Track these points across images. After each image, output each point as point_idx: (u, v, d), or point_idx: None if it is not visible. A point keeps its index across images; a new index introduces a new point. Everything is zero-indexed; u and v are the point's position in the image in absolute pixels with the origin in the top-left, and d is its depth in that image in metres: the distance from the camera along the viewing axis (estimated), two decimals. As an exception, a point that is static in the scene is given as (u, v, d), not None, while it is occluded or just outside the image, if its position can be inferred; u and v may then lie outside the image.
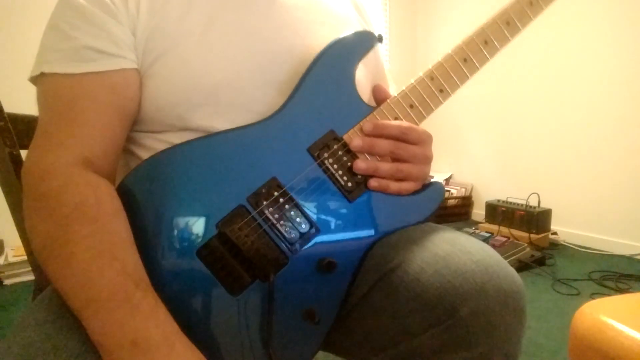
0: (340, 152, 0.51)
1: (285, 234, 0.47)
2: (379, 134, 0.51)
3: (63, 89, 0.46)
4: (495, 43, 0.56)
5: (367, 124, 0.52)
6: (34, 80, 0.47)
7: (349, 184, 0.50)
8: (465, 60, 0.55)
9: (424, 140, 0.53)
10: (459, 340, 0.41)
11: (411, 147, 0.52)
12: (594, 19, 2.27)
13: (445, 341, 0.41)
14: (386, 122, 0.52)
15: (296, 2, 0.58)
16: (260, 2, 0.55)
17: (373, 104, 0.55)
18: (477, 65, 0.56)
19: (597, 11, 2.25)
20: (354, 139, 0.51)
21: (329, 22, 0.59)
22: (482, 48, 0.56)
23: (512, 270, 0.44)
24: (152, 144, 0.50)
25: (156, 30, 0.48)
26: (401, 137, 0.51)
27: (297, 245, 0.47)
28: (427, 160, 0.54)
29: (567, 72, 2.42)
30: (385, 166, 0.51)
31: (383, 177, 0.51)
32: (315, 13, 0.59)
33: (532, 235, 2.30)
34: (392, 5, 3.29)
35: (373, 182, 0.51)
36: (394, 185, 0.51)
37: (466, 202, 3.07)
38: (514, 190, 2.63)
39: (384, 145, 0.51)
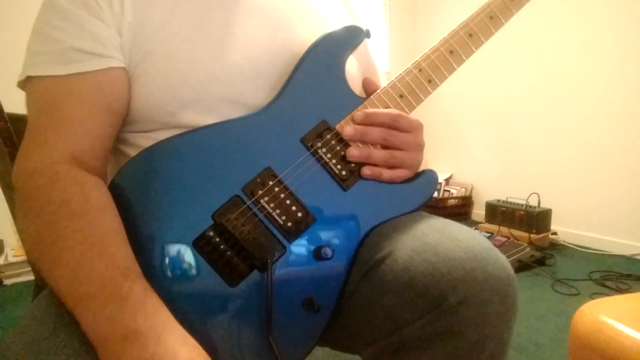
0: (333, 142, 0.51)
1: (281, 222, 0.47)
2: (370, 122, 0.52)
3: (49, 90, 0.46)
4: (480, 36, 0.58)
5: (358, 113, 0.52)
6: (22, 85, 0.48)
7: (343, 172, 0.51)
8: (451, 52, 0.57)
9: (415, 128, 0.53)
10: (449, 329, 0.41)
11: (402, 134, 0.52)
12: (593, 18, 2.27)
13: (436, 330, 0.41)
14: (376, 110, 0.53)
15: None
16: None
17: (365, 96, 0.56)
18: (463, 56, 0.58)
19: (597, 10, 2.24)
20: (346, 128, 0.52)
21: (317, 15, 0.59)
22: (467, 41, 0.58)
23: (502, 257, 0.44)
24: (145, 143, 0.50)
25: (142, 29, 0.48)
26: (392, 125, 0.52)
27: (294, 234, 0.47)
28: (419, 147, 0.54)
29: (567, 72, 2.42)
30: (378, 153, 0.51)
31: (376, 165, 0.51)
32: (303, 7, 0.59)
33: (532, 235, 2.30)
34: (392, 5, 3.29)
35: (366, 170, 0.51)
36: (387, 173, 0.52)
37: (466, 202, 3.07)
38: (514, 190, 2.63)
39: (375, 132, 0.52)
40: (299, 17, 0.57)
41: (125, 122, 0.51)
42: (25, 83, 0.47)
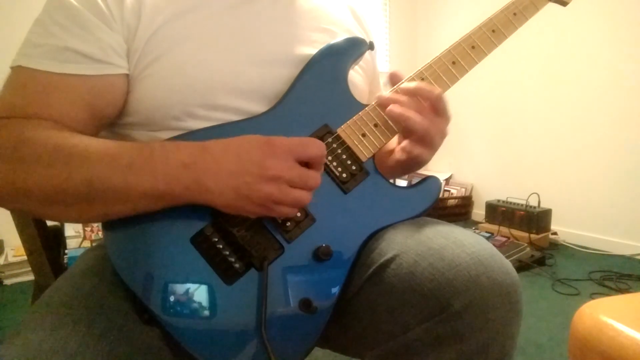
0: (334, 145, 0.52)
1: (279, 221, 0.47)
2: (412, 93, 0.53)
3: (38, 80, 0.45)
4: (482, 48, 0.59)
5: (405, 84, 0.54)
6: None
7: (344, 175, 0.51)
8: (453, 62, 0.57)
9: (448, 118, 0.55)
10: (453, 334, 0.41)
11: (438, 118, 0.53)
12: (592, 19, 2.27)
13: (440, 334, 0.41)
14: (426, 85, 0.54)
15: (297, 9, 0.59)
16: (262, 8, 0.55)
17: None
18: (466, 67, 0.58)
19: (596, 11, 2.24)
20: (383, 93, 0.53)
21: (329, 29, 0.60)
22: (469, 52, 0.58)
23: (506, 263, 0.44)
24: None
25: (155, 35, 0.48)
26: (434, 102, 0.53)
27: (292, 234, 0.47)
28: (443, 134, 0.55)
29: (566, 72, 2.42)
30: (417, 117, 0.52)
31: (413, 128, 0.52)
32: (316, 20, 0.60)
33: (532, 235, 2.30)
34: (392, 5, 3.29)
35: (395, 108, 0.52)
36: (415, 117, 0.51)
37: (466, 202, 3.07)
38: (514, 190, 2.63)
39: (412, 103, 0.52)
40: (313, 32, 0.58)
41: (125, 121, 0.51)
42: (13, 70, 0.46)
